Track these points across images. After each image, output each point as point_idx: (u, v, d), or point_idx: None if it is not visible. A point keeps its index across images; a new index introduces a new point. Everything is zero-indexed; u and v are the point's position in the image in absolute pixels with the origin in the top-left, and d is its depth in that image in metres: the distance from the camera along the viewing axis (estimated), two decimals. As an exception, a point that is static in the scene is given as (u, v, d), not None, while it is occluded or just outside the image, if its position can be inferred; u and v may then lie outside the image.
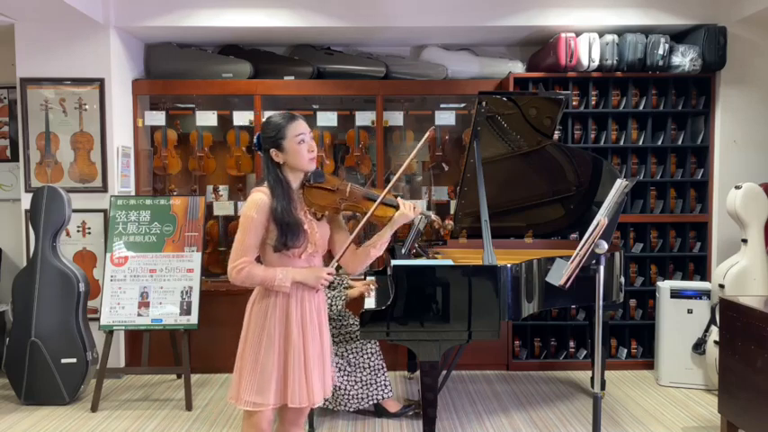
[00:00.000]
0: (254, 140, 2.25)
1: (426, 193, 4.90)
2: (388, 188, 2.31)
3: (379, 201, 2.26)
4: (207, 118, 4.60)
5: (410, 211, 2.28)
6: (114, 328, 3.87)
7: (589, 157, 3.80)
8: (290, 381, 2.17)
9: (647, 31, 4.34)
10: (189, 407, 3.76)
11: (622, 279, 3.73)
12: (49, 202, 3.87)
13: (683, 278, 4.48)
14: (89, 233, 4.32)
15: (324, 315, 2.32)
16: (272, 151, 2.18)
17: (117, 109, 4.32)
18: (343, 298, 3.57)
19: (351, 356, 3.50)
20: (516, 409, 3.74)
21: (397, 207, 2.30)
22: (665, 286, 4.14)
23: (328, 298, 3.55)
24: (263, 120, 2.28)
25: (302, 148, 2.17)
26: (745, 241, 3.96)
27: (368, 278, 3.88)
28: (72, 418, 3.66)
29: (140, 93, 4.59)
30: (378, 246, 2.29)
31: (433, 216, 2.56)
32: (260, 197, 2.13)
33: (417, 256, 3.74)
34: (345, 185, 2.28)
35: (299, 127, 2.19)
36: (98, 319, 3.89)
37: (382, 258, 4.51)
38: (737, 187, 3.97)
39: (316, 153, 2.23)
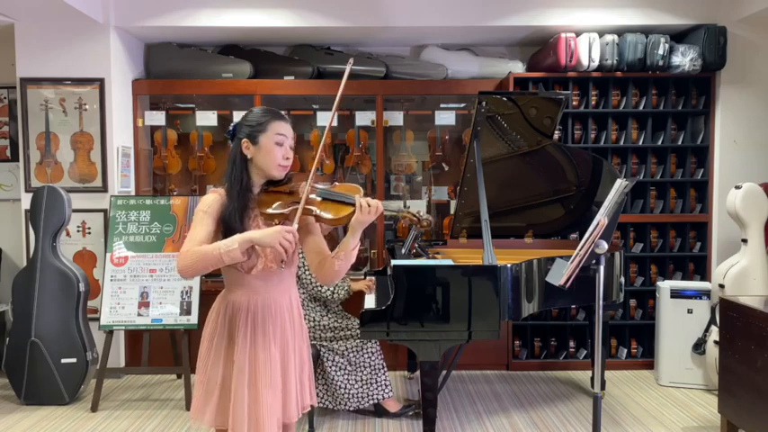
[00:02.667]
0: (230, 127, 1.99)
1: (426, 193, 4.90)
2: (312, 171, 1.90)
3: (303, 200, 1.86)
4: (207, 118, 4.60)
5: (367, 214, 1.85)
6: (114, 328, 3.87)
7: (589, 157, 3.80)
8: (232, 402, 1.90)
9: (647, 31, 4.34)
10: (189, 407, 3.75)
11: (622, 279, 3.73)
12: (49, 202, 3.87)
13: (683, 278, 4.48)
14: (89, 233, 4.32)
15: (287, 329, 2.01)
16: (245, 142, 1.92)
17: (117, 109, 4.32)
18: (346, 288, 3.57)
19: (351, 355, 3.50)
20: (516, 409, 3.74)
21: (353, 206, 1.88)
22: (665, 286, 4.14)
23: (330, 287, 3.53)
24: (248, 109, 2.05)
25: (277, 150, 1.92)
26: (745, 241, 3.96)
27: (368, 278, 3.89)
28: (72, 418, 3.66)
29: (140, 93, 4.59)
30: (341, 256, 1.91)
31: (406, 212, 2.04)
32: (211, 196, 1.92)
33: (417, 256, 3.74)
34: (300, 186, 1.93)
35: (283, 127, 1.95)
36: (98, 319, 3.90)
37: (382, 258, 4.51)
38: (737, 187, 3.97)
39: (290, 162, 1.97)
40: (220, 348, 1.95)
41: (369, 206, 1.85)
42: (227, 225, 1.87)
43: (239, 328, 1.94)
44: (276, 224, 1.89)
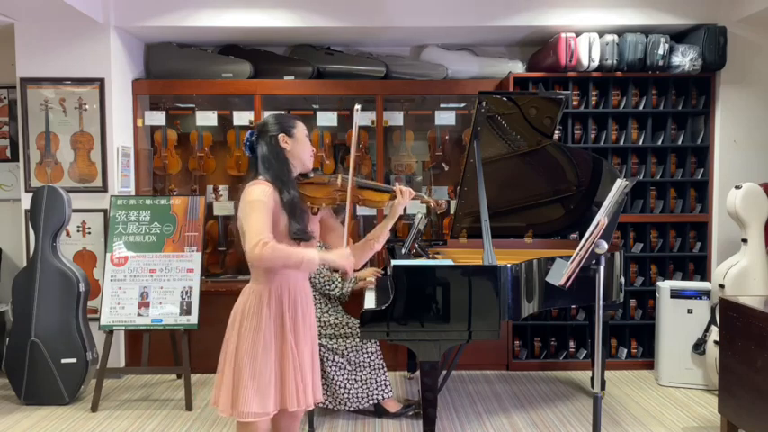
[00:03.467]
0: (249, 136, 2.24)
1: (426, 192, 4.90)
2: (352, 166, 2.29)
3: (350, 187, 2.24)
4: (207, 118, 4.60)
5: (405, 197, 2.32)
6: (114, 327, 3.87)
7: (589, 157, 3.80)
8: (288, 385, 2.14)
9: (647, 31, 4.34)
10: (189, 407, 3.76)
11: (622, 279, 3.73)
12: (49, 202, 3.87)
13: (683, 278, 4.48)
14: (89, 233, 4.32)
15: (312, 314, 2.32)
16: (282, 136, 2.19)
17: (117, 109, 4.32)
18: (353, 279, 3.58)
19: (351, 355, 3.50)
20: (516, 409, 3.74)
21: (392, 193, 2.34)
22: (665, 286, 4.14)
23: (338, 282, 3.55)
24: (262, 120, 2.30)
25: (308, 142, 2.26)
26: (745, 241, 3.96)
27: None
28: (72, 418, 3.66)
29: (140, 93, 4.59)
30: (380, 239, 2.36)
31: (426, 197, 2.52)
32: (262, 186, 2.10)
33: (417, 256, 3.74)
34: (336, 177, 2.28)
35: (305, 128, 2.28)
36: (98, 319, 3.90)
37: (382, 258, 4.51)
38: (737, 187, 3.97)
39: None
40: (269, 341, 2.13)
41: (409, 192, 2.33)
42: (291, 206, 2.10)
43: (286, 314, 2.16)
44: (316, 209, 2.23)
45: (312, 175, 2.28)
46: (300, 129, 2.24)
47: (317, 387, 2.28)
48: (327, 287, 3.57)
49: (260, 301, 2.14)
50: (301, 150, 2.23)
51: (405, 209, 2.42)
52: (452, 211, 4.32)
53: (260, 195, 2.05)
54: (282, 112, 2.31)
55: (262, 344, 2.11)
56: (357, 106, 2.38)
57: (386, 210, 2.35)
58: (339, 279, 3.59)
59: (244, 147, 2.27)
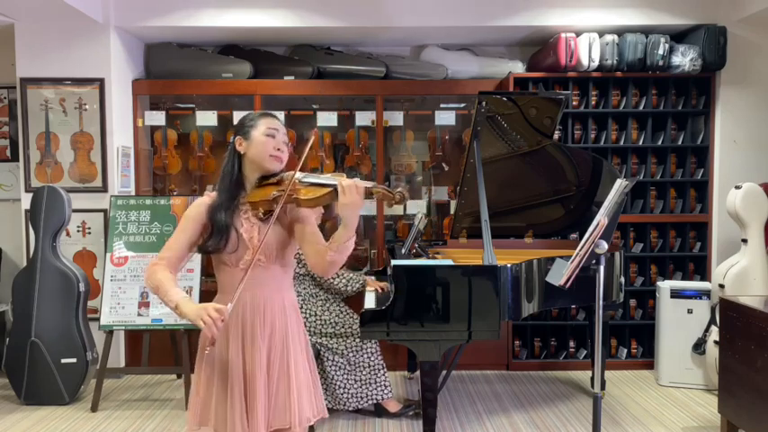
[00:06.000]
0: (230, 141, 2.01)
1: (426, 193, 4.90)
2: (300, 162, 1.92)
3: (288, 185, 1.86)
4: (207, 118, 4.59)
5: (349, 194, 1.79)
6: (114, 327, 3.87)
7: (589, 157, 3.80)
8: (229, 409, 1.90)
9: (647, 31, 4.34)
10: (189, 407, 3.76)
11: (622, 279, 3.73)
12: (49, 202, 3.87)
13: (683, 278, 4.48)
14: (89, 233, 4.32)
15: (288, 336, 1.97)
16: (237, 139, 1.96)
17: (117, 109, 4.32)
18: (361, 281, 3.57)
19: (350, 355, 3.50)
20: (516, 409, 3.74)
21: (332, 187, 1.83)
22: (665, 286, 4.14)
23: (345, 278, 3.54)
24: None
25: (269, 141, 1.93)
26: (745, 241, 3.96)
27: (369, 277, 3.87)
28: (72, 418, 3.66)
29: (140, 93, 4.59)
30: (334, 248, 1.85)
31: (379, 188, 1.84)
32: (200, 199, 1.99)
33: (417, 256, 3.74)
34: (291, 174, 1.91)
35: (274, 122, 1.98)
36: (98, 319, 3.90)
37: (382, 258, 4.51)
38: (737, 187, 3.97)
39: (285, 155, 1.97)
40: (211, 353, 1.93)
41: (346, 187, 1.79)
42: (209, 216, 1.91)
43: (230, 326, 1.92)
44: (261, 213, 1.92)
45: (275, 176, 1.98)
46: (261, 128, 1.93)
47: (287, 410, 1.94)
48: (332, 279, 3.51)
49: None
50: (256, 152, 1.93)
51: (404, 208, 2.00)
52: (453, 211, 4.32)
53: (190, 210, 1.98)
54: (255, 113, 2.03)
55: (199, 355, 1.98)
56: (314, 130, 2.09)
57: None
58: (344, 274, 3.58)
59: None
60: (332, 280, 3.53)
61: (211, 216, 1.92)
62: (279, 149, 1.95)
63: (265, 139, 1.94)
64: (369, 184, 1.84)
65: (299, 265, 3.50)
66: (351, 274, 3.59)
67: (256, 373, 1.90)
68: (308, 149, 2.03)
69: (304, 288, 3.51)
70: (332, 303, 3.63)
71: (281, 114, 4.57)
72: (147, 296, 3.89)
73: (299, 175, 1.91)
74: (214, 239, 1.90)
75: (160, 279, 1.87)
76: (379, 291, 3.58)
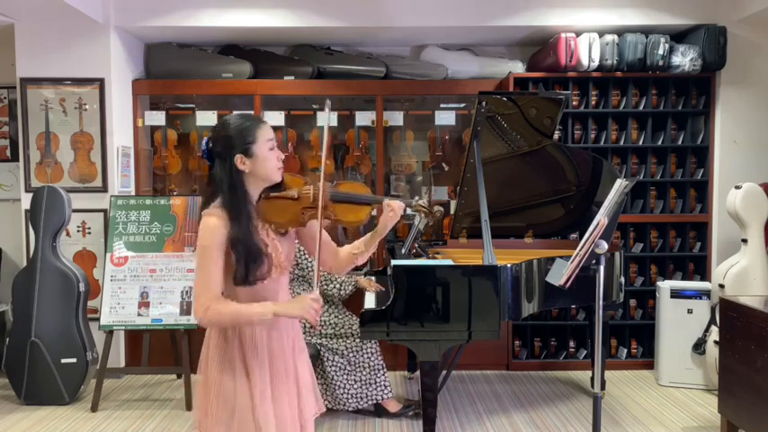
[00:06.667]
0: (203, 147, 1.85)
1: (426, 193, 4.90)
2: (322, 176, 1.87)
3: (320, 207, 1.83)
4: (207, 118, 4.59)
5: (397, 212, 1.94)
6: (114, 327, 3.87)
7: (589, 157, 3.80)
8: (286, 396, 1.91)
9: (647, 31, 4.34)
10: (189, 407, 3.76)
11: (622, 279, 3.73)
12: (49, 202, 3.87)
13: (683, 278, 4.48)
14: (89, 233, 4.32)
15: (298, 353, 1.99)
16: (238, 157, 1.80)
17: (117, 109, 4.32)
18: (353, 283, 3.57)
19: (350, 355, 3.50)
20: (516, 409, 3.74)
21: (373, 206, 1.93)
22: (665, 286, 4.14)
23: (337, 283, 3.55)
24: (219, 122, 1.91)
25: (273, 155, 1.84)
26: (745, 241, 3.96)
27: (368, 277, 3.88)
28: (72, 418, 3.66)
29: (140, 93, 4.59)
30: (365, 254, 2.02)
31: (419, 205, 2.07)
32: (213, 222, 1.77)
33: (417, 256, 3.74)
34: (309, 190, 1.87)
35: (269, 131, 1.87)
36: (98, 319, 3.89)
37: (382, 258, 4.51)
38: (737, 187, 3.97)
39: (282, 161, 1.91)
40: (234, 367, 1.87)
41: (394, 207, 1.93)
42: (241, 247, 1.77)
43: (258, 348, 1.87)
44: (285, 231, 1.91)
45: (280, 187, 1.90)
46: (262, 142, 1.82)
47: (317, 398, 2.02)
48: (325, 285, 3.56)
49: (222, 339, 1.88)
50: (263, 169, 1.83)
51: (404, 210, 2.05)
52: (453, 211, 4.32)
53: (209, 239, 1.77)
54: (239, 116, 1.88)
55: (227, 369, 1.87)
56: (328, 102, 2.00)
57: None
58: (337, 278, 3.59)
59: (202, 153, 1.89)
60: (325, 287, 3.55)
61: (241, 247, 1.78)
62: (281, 159, 1.90)
63: (269, 154, 1.84)
64: (405, 202, 1.96)
65: (297, 268, 3.50)
66: (342, 278, 3.59)
67: (280, 393, 1.91)
68: (325, 147, 2.02)
69: (303, 290, 3.51)
70: (331, 304, 3.64)
71: (281, 114, 4.58)
72: (146, 296, 3.89)
73: (320, 188, 1.85)
74: (254, 270, 1.80)
75: (231, 309, 1.77)
76: (372, 288, 3.59)
